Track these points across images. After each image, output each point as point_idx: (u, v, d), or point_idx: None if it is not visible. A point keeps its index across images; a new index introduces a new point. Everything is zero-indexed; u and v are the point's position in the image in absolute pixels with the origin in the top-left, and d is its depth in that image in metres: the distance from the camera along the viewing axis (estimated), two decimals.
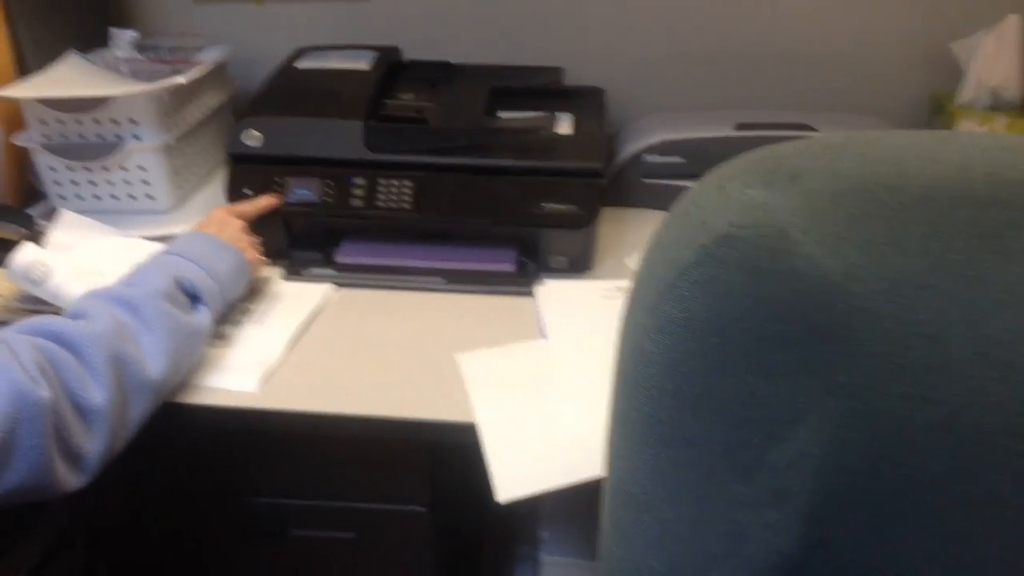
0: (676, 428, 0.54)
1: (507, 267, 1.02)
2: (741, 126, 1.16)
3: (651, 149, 1.16)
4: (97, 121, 1.04)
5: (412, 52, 1.25)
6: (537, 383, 0.84)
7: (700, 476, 0.55)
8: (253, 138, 1.03)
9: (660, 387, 0.54)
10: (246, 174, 1.03)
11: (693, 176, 1.14)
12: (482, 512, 1.15)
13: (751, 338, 0.51)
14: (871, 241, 0.50)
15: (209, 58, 1.18)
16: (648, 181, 1.17)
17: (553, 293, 0.98)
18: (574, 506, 1.06)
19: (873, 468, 0.51)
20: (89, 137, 1.05)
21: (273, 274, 1.03)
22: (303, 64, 1.16)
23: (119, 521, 1.00)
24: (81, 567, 1.17)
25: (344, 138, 1.02)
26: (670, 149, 1.16)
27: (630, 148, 1.17)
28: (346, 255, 1.05)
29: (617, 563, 0.61)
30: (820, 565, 0.53)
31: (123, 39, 1.21)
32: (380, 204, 1.01)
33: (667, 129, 1.18)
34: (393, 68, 1.18)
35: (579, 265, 1.03)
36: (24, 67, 1.14)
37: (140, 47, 1.22)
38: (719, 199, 0.52)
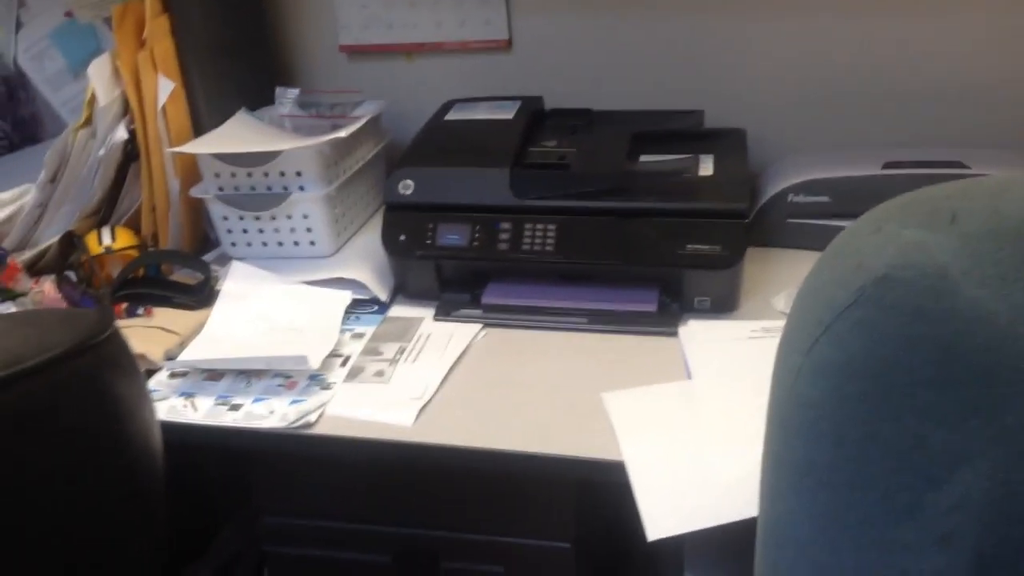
0: (834, 471, 0.54)
1: (649, 307, 1.03)
2: (889, 164, 1.14)
3: (796, 188, 1.15)
4: (266, 174, 1.13)
5: (554, 100, 1.29)
6: (684, 423, 0.85)
7: (859, 520, 0.54)
8: (406, 187, 1.09)
9: (817, 430, 0.54)
10: (400, 221, 1.09)
11: (839, 216, 1.13)
12: (626, 552, 1.15)
13: (911, 380, 0.50)
14: None
15: (365, 112, 1.26)
16: (793, 221, 1.16)
17: (697, 333, 0.99)
18: (718, 549, 1.05)
19: None
20: (259, 188, 1.14)
21: (424, 315, 1.08)
22: (452, 116, 1.22)
23: (287, 547, 1.05)
24: None
25: (491, 185, 1.07)
26: (815, 188, 1.14)
27: (774, 188, 1.17)
28: (492, 297, 1.08)
29: None
30: None
31: (287, 97, 1.30)
32: (525, 247, 1.05)
33: (812, 168, 1.17)
34: (536, 117, 1.22)
35: (723, 306, 1.03)
36: (198, 124, 1.25)
37: (302, 103, 1.32)
38: (876, 240, 0.52)
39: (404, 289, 1.13)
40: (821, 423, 0.54)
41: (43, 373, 0.56)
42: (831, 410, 0.53)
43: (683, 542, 1.06)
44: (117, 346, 0.64)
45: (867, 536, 0.54)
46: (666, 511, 0.75)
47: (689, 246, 0.99)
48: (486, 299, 1.08)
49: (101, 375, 0.61)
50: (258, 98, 1.33)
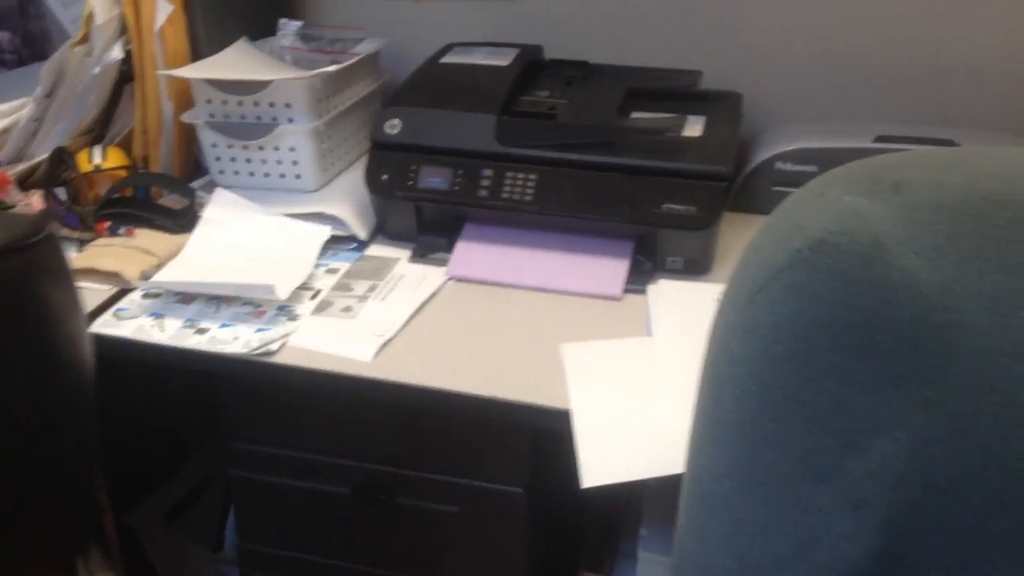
0: (757, 428, 0.55)
1: (619, 270, 1.03)
2: (881, 138, 1.13)
3: (784, 156, 1.14)
4: (256, 103, 1.13)
5: (557, 51, 1.28)
6: (636, 378, 0.85)
7: (776, 478, 0.55)
8: (393, 126, 1.09)
9: (744, 387, 0.55)
10: (384, 160, 1.09)
11: None
12: (583, 503, 1.17)
13: (838, 345, 0.51)
14: (972, 257, 0.49)
15: (364, 50, 1.26)
16: (778, 189, 1.16)
17: (665, 293, 0.99)
18: (675, 505, 1.06)
19: (957, 486, 0.50)
20: (249, 118, 1.14)
21: (400, 256, 1.09)
22: (449, 59, 1.21)
23: (251, 472, 1.07)
24: (217, 511, 1.28)
25: (476, 131, 1.07)
26: (804, 158, 1.14)
27: (762, 154, 1.16)
28: (460, 262, 1.07)
29: (690, 558, 0.62)
30: None
31: (289, 29, 1.30)
32: (505, 195, 1.05)
33: (802, 137, 1.16)
34: (533, 66, 1.21)
35: (696, 267, 1.03)
36: (197, 50, 1.25)
37: (303, 37, 1.31)
38: (817, 205, 0.52)
39: (384, 229, 1.14)
40: (748, 381, 0.54)
41: None
42: (758, 369, 0.54)
43: (643, 497, 1.07)
44: (50, 250, 0.66)
45: (783, 495, 0.55)
46: (604, 460, 0.76)
47: (665, 205, 0.99)
48: (451, 268, 1.05)
49: (30, 276, 0.63)
50: (261, 28, 1.32)
